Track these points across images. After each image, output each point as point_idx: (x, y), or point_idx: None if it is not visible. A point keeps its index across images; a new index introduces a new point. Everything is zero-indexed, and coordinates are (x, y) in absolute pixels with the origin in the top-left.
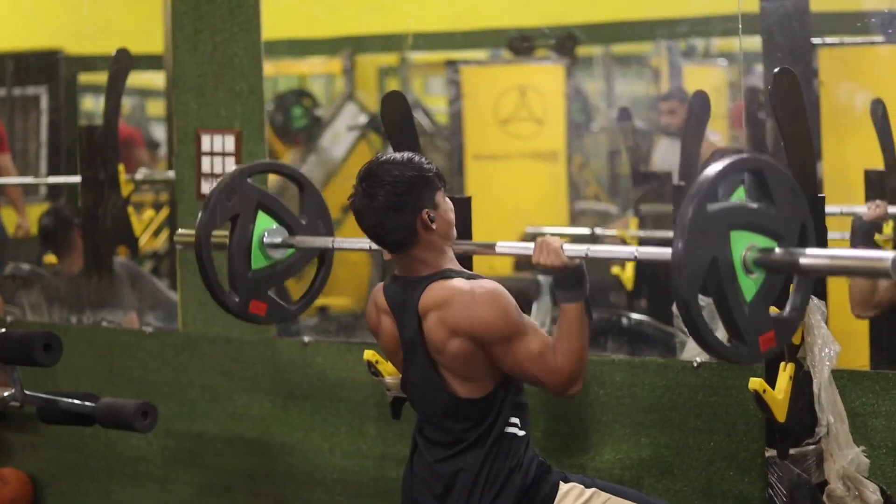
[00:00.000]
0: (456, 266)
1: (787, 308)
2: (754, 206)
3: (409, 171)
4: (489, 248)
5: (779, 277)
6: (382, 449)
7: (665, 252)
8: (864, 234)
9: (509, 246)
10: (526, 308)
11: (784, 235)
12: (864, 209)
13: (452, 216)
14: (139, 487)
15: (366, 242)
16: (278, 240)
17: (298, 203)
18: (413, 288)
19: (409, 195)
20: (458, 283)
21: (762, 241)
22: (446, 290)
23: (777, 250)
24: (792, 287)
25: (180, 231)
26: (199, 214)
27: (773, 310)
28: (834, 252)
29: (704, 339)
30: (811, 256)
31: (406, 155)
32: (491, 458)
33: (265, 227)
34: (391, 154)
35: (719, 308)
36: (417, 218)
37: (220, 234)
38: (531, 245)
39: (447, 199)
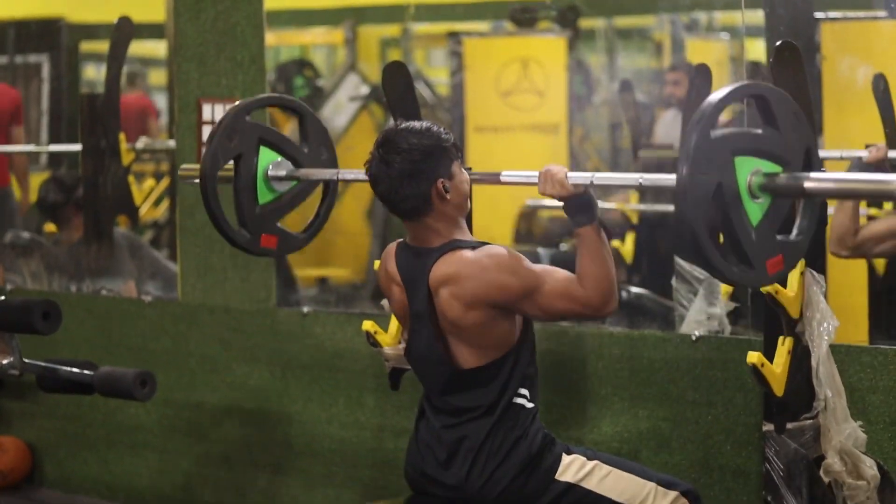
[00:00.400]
0: (466, 236)
1: (794, 232)
2: (758, 131)
3: (426, 139)
4: (494, 177)
5: (784, 202)
6: (380, 420)
7: (670, 178)
8: None
9: (515, 175)
10: None
11: (789, 161)
12: (864, 153)
13: (468, 188)
14: (137, 456)
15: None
16: (283, 173)
17: (299, 132)
18: (424, 259)
19: (425, 163)
20: (467, 254)
21: (767, 167)
22: (456, 263)
23: (782, 175)
24: (798, 211)
25: (184, 165)
26: (202, 155)
27: None
28: (839, 175)
29: (713, 263)
30: (816, 180)
31: (424, 124)
32: (497, 428)
33: (269, 161)
34: (410, 122)
35: (726, 233)
36: (432, 187)
37: (224, 171)
38: (536, 174)
39: (463, 171)
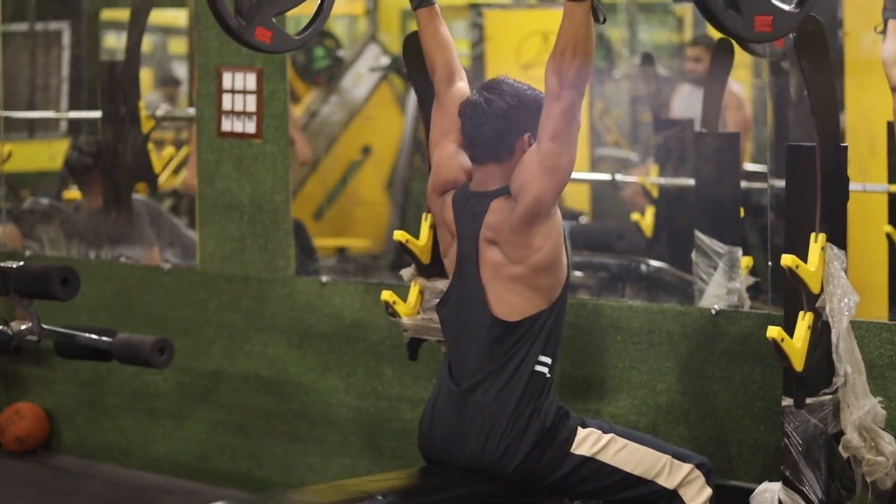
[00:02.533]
0: None
1: (793, 3)
2: None
3: (528, 93)
4: None
5: None
6: (398, 390)
7: None
8: None
9: None
10: None
11: None
12: None
13: None
14: (154, 424)
15: None
16: None
17: None
18: (478, 202)
19: (519, 110)
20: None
21: None
22: (503, 209)
23: None
24: None
25: None
26: None
27: None
28: None
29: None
30: None
31: (529, 85)
32: (515, 398)
33: None
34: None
35: None
36: (518, 138)
37: None
38: None
39: None
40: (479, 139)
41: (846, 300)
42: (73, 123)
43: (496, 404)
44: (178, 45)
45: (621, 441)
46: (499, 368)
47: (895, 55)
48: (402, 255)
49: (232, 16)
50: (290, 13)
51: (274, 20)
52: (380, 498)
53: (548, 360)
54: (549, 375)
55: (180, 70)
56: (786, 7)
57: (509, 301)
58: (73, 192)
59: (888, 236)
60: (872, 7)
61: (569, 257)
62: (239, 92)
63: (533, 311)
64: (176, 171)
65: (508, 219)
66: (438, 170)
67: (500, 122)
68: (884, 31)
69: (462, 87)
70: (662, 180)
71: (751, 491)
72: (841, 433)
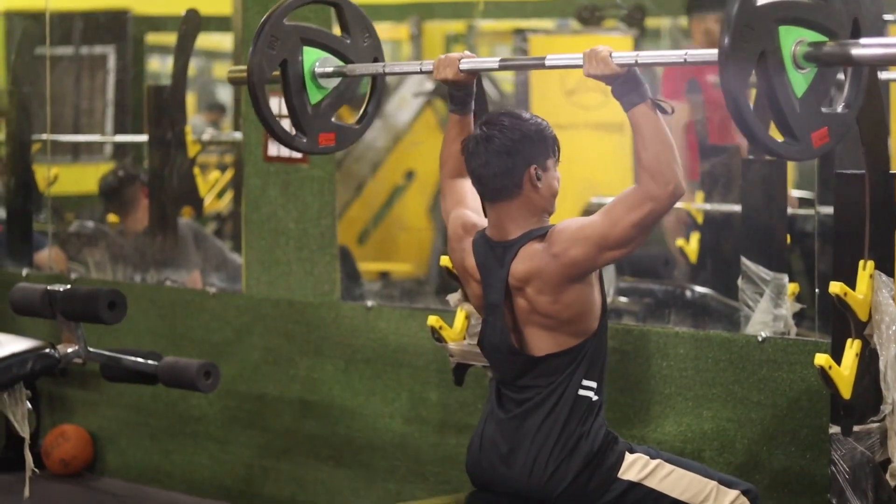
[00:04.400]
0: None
1: (841, 104)
2: (805, 0)
3: (529, 124)
4: (539, 62)
5: (831, 73)
6: (443, 416)
7: (714, 53)
8: None
9: (559, 58)
10: None
11: (836, 31)
12: None
13: (558, 186)
14: (199, 447)
15: (416, 65)
16: (330, 69)
17: (339, 23)
18: (501, 253)
19: (522, 144)
20: (536, 246)
21: (813, 36)
22: (530, 258)
23: (829, 43)
24: (846, 84)
25: (233, 67)
26: (249, 61)
27: None
28: (890, 40)
29: (755, 132)
30: (864, 46)
31: (530, 113)
32: (562, 422)
33: (314, 59)
34: (517, 110)
35: (770, 105)
36: (526, 171)
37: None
38: (580, 55)
39: (557, 170)
40: (486, 177)
41: (894, 328)
42: (118, 147)
43: (543, 428)
44: (224, 69)
45: (668, 467)
46: (544, 397)
47: None
48: (448, 279)
49: (293, 134)
50: None
51: (332, 119)
52: None
53: (592, 384)
54: (595, 399)
55: (225, 94)
56: (836, 110)
57: (545, 341)
58: (115, 216)
59: None
60: None
61: (603, 284)
62: (285, 116)
63: (572, 343)
64: (220, 195)
65: (543, 269)
66: (458, 224)
67: (504, 158)
68: None
69: (467, 185)
70: (707, 206)
71: None
72: (888, 461)
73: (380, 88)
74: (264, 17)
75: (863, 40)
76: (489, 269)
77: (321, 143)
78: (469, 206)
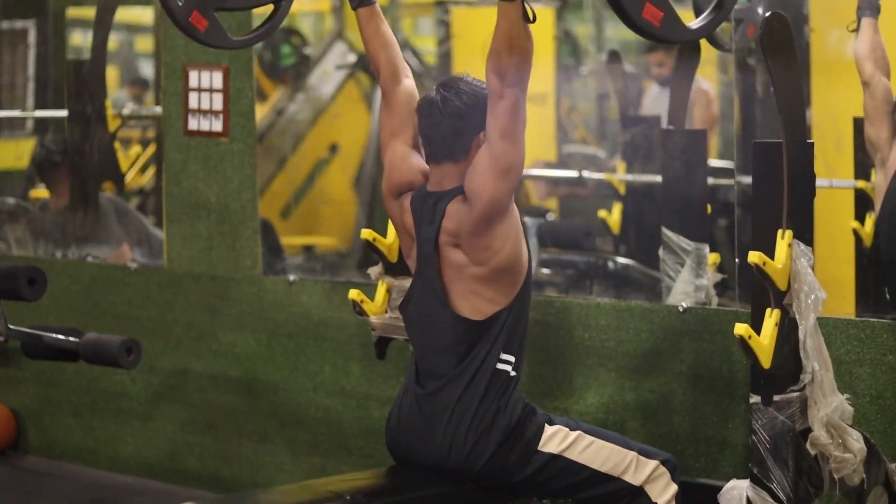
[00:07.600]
0: None
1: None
2: None
3: (485, 91)
4: None
5: None
6: (366, 389)
7: None
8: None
9: None
10: None
11: None
12: None
13: None
14: (122, 423)
15: None
16: None
17: None
18: (436, 202)
19: (476, 109)
20: (463, 200)
21: None
22: (459, 212)
23: None
24: None
25: None
26: None
27: None
28: None
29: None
30: None
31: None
32: (479, 397)
33: None
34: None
35: None
36: (475, 137)
37: None
38: None
39: None
40: (435, 138)
41: (813, 297)
42: (40, 122)
43: (461, 403)
44: (145, 43)
45: (588, 438)
46: (462, 369)
47: (869, 50)
48: (370, 253)
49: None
50: (257, 10)
51: (215, 13)
52: (348, 498)
53: (510, 357)
54: (513, 373)
55: (147, 69)
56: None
57: (472, 301)
58: (40, 191)
59: (855, 232)
60: (839, 4)
61: (530, 254)
62: (205, 90)
63: (494, 310)
64: (143, 170)
65: (466, 223)
66: (391, 172)
67: (455, 120)
68: (857, 29)
69: (409, 84)
70: (629, 177)
71: (719, 488)
72: (808, 430)
73: (275, 22)
74: None
75: None
76: (423, 224)
77: (190, 20)
78: (407, 140)
